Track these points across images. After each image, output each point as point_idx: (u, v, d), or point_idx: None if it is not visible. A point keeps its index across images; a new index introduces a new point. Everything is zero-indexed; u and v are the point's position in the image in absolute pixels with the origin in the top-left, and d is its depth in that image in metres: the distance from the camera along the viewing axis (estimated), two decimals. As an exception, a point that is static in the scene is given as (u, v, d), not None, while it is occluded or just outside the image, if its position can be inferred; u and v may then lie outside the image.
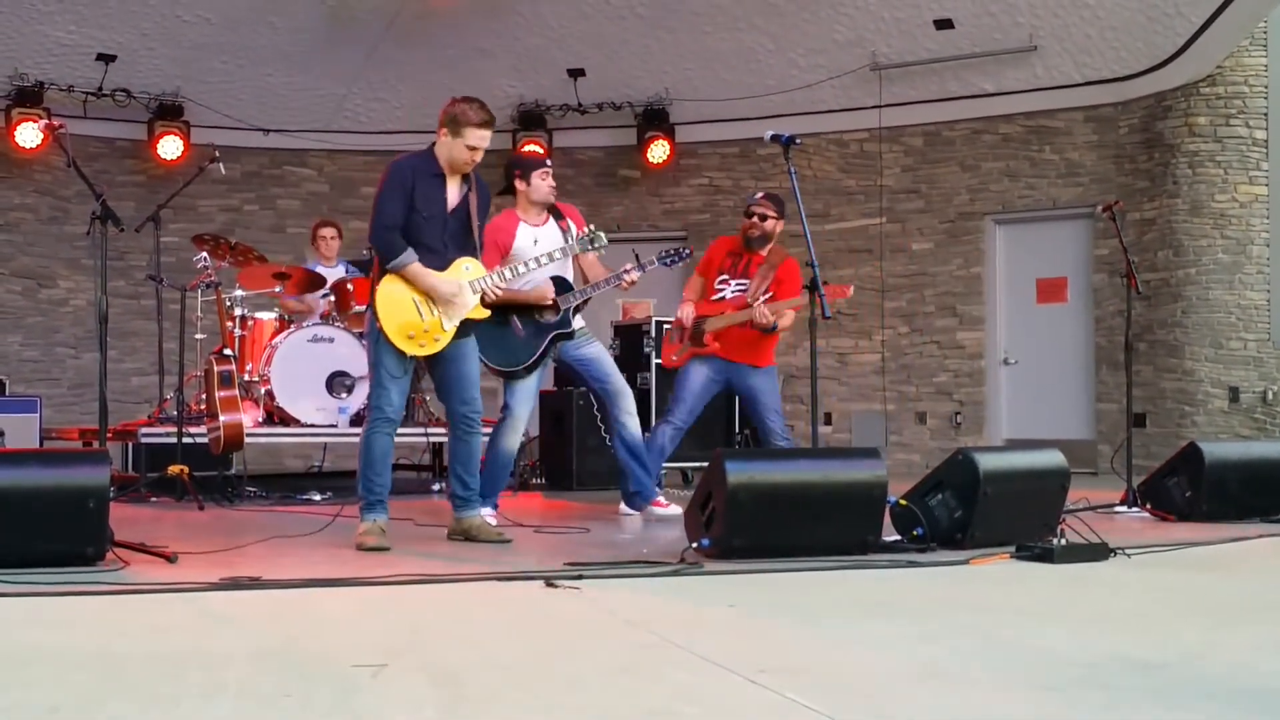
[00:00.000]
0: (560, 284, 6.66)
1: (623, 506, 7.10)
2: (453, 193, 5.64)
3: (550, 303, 6.59)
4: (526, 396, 6.72)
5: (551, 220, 6.73)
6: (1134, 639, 3.65)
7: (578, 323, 6.77)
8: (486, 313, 5.78)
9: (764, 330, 6.97)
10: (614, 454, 7.01)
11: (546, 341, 6.60)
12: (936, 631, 3.72)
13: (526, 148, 12.03)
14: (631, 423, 6.76)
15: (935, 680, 3.07)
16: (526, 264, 6.11)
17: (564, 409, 9.57)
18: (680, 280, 7.92)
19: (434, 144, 5.65)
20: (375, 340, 5.60)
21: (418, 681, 2.99)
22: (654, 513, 6.87)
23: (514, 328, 6.57)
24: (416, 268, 5.53)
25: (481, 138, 5.54)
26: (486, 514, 6.55)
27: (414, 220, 5.55)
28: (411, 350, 5.61)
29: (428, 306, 5.56)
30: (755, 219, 7.24)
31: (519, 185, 6.68)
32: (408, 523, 6.43)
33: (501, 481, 6.76)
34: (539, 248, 6.49)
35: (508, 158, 7.20)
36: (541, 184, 6.67)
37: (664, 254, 6.84)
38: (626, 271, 6.65)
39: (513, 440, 6.72)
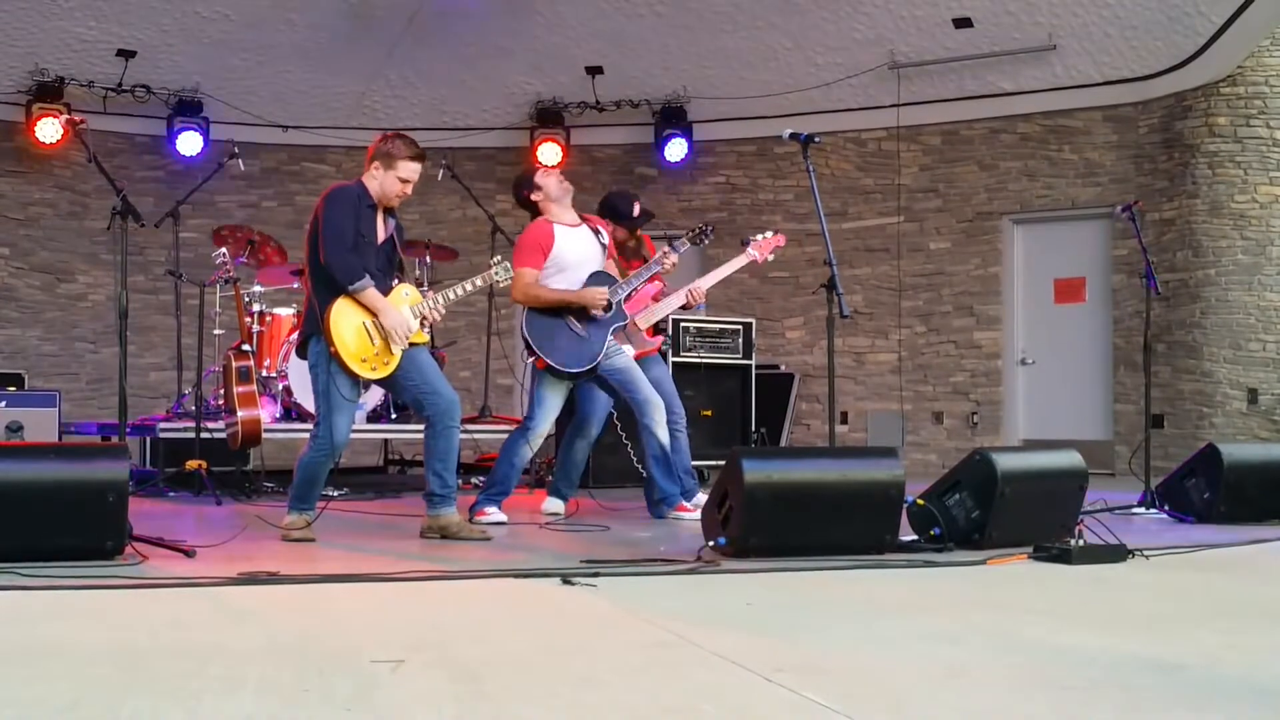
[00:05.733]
0: (603, 279, 6.70)
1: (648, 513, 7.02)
2: (381, 225, 5.79)
3: (604, 303, 6.61)
4: (555, 406, 6.73)
5: (584, 225, 6.79)
6: (1152, 640, 3.64)
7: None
8: (426, 337, 5.92)
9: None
10: (639, 463, 7.06)
11: (609, 335, 6.63)
12: (954, 631, 3.71)
13: (544, 145, 12.03)
14: (661, 433, 6.70)
15: (953, 680, 3.06)
16: (458, 289, 6.05)
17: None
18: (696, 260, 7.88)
19: (362, 178, 5.79)
20: (328, 365, 5.61)
21: (437, 677, 3.00)
22: (680, 517, 6.77)
23: (572, 327, 6.58)
24: (373, 292, 5.63)
25: (413, 170, 5.72)
26: (491, 514, 6.55)
27: (358, 245, 5.65)
28: (364, 373, 5.68)
29: (376, 331, 5.64)
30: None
31: (534, 196, 6.73)
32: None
33: (511, 484, 6.75)
34: (573, 248, 6.64)
35: (513, 180, 7.20)
36: (549, 180, 6.74)
37: (692, 234, 7.23)
38: (665, 255, 6.85)
39: (532, 444, 6.74)
